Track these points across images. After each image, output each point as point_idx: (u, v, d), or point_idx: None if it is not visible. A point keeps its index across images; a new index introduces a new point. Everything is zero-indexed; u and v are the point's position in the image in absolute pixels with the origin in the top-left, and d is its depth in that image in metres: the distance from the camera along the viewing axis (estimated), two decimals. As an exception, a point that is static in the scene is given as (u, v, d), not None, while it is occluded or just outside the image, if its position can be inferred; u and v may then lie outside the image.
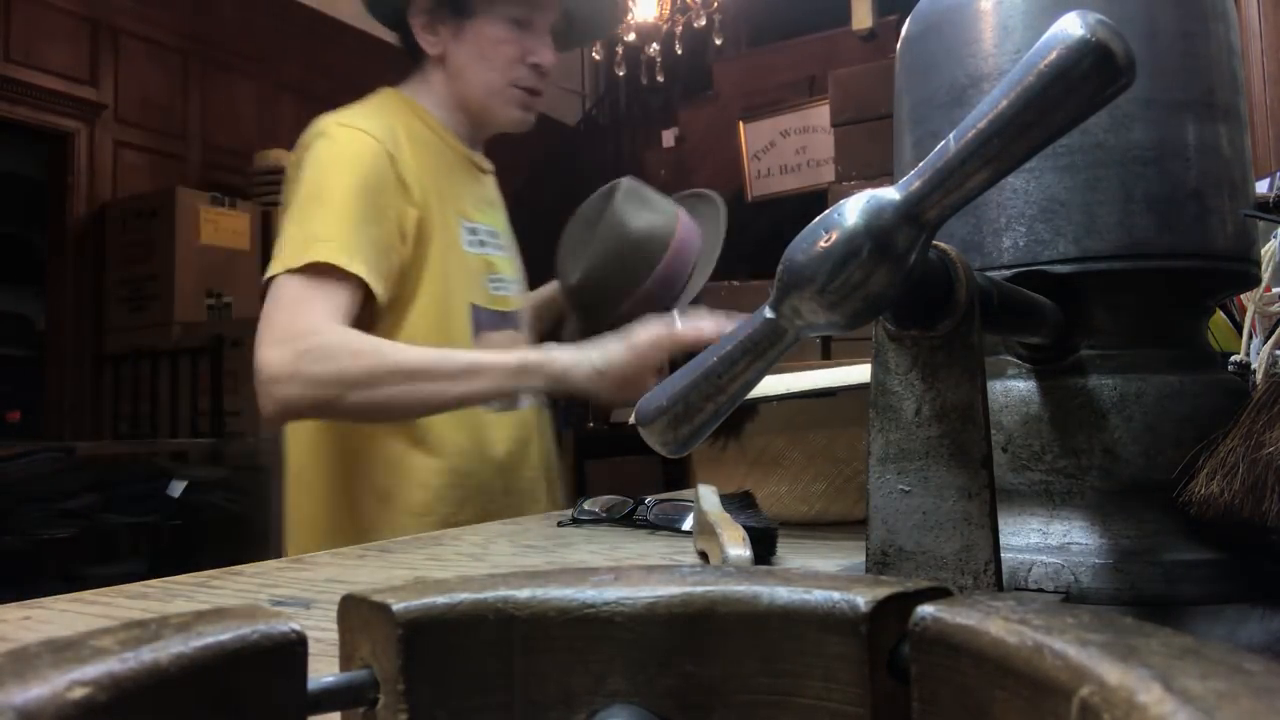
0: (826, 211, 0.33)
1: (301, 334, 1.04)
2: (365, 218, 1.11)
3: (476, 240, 1.28)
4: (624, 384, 1.13)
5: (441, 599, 0.24)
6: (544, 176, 6.81)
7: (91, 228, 4.26)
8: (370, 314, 1.14)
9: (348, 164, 1.13)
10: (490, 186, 1.37)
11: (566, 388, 1.15)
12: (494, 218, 1.35)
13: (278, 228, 1.16)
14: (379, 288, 1.12)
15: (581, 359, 1.14)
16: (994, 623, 0.20)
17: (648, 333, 1.14)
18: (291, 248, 1.08)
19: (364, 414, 1.13)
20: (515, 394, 1.26)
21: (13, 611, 0.54)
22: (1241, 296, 0.71)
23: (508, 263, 1.34)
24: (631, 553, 0.73)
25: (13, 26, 4.05)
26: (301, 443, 1.23)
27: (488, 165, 1.37)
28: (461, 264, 1.24)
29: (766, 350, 0.34)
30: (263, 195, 4.32)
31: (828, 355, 2.65)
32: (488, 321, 1.26)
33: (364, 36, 5.37)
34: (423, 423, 1.19)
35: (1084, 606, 0.36)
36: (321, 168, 1.13)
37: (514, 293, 1.33)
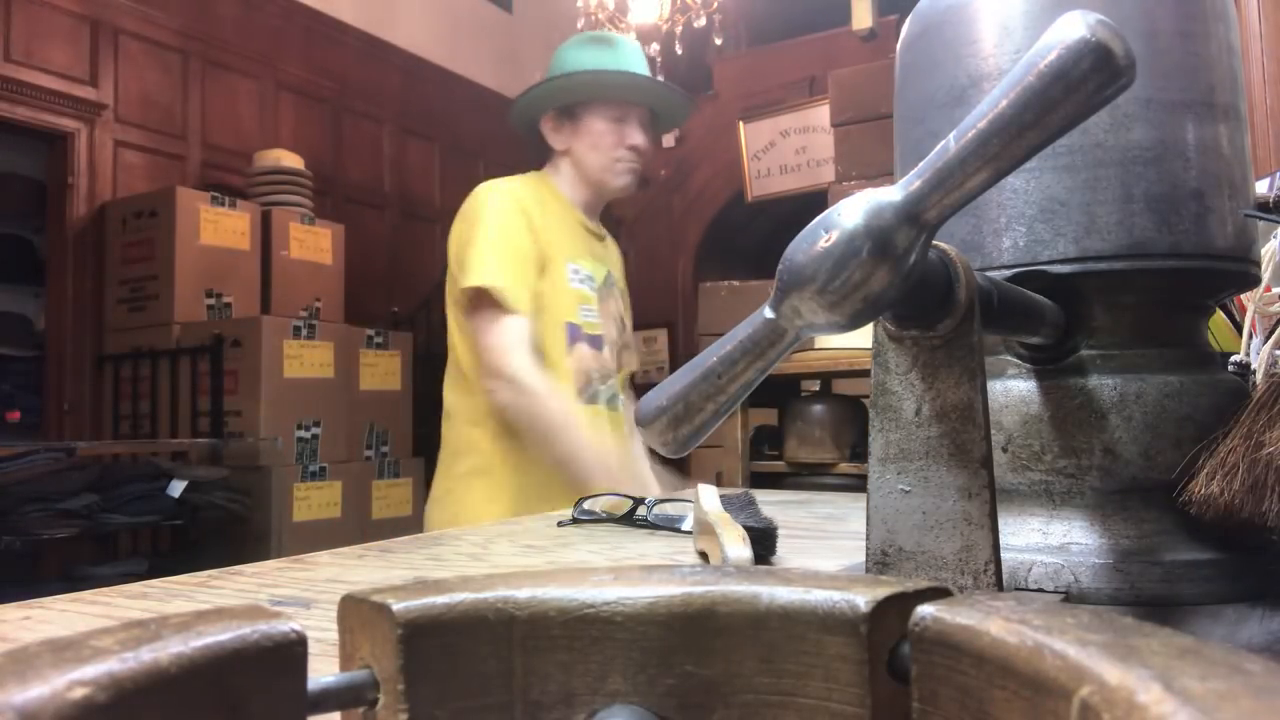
0: (826, 211, 0.33)
1: (519, 378, 1.59)
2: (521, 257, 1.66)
3: (578, 279, 1.76)
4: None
5: (441, 599, 0.24)
6: (544, 176, 6.80)
7: (91, 228, 4.26)
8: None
9: (501, 214, 1.68)
10: (601, 247, 1.86)
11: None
12: (595, 268, 1.82)
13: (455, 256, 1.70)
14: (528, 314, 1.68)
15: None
16: (994, 623, 0.20)
17: None
18: (483, 277, 1.61)
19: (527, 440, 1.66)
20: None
21: (13, 611, 0.54)
22: (1241, 296, 0.71)
23: (595, 299, 1.81)
24: (631, 553, 0.73)
25: (13, 26, 4.04)
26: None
27: (602, 231, 1.89)
28: (565, 292, 1.72)
29: (766, 350, 0.34)
30: (263, 195, 4.32)
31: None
32: (576, 335, 1.73)
33: (365, 36, 5.38)
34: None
35: (1084, 606, 0.36)
36: (488, 215, 1.66)
37: (598, 321, 1.80)
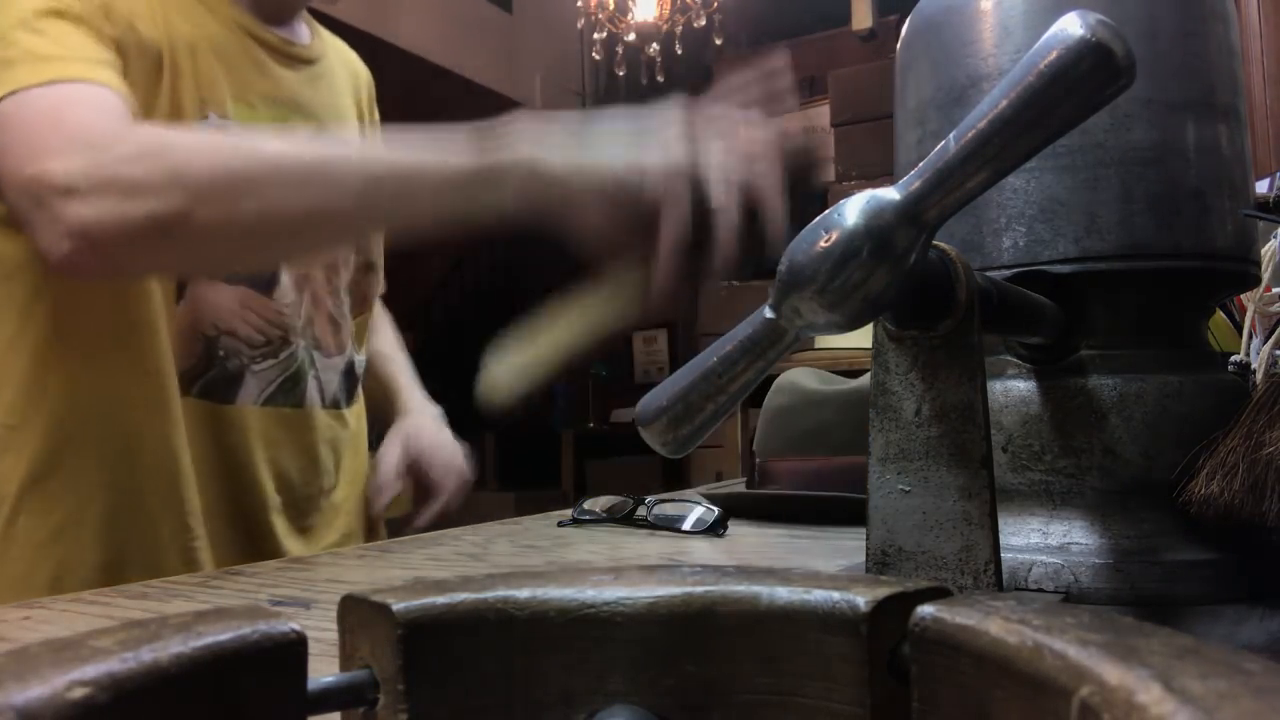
0: (826, 211, 0.33)
1: (106, 137, 0.71)
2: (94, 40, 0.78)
3: None
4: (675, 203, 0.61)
5: (441, 599, 0.24)
6: (544, 176, 6.80)
7: (91, 228, 4.26)
8: None
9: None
10: (300, 77, 0.95)
11: (558, 209, 0.65)
12: (280, 122, 0.92)
13: None
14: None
15: (597, 155, 0.65)
16: (994, 623, 0.20)
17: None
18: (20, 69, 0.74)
19: (219, 246, 0.72)
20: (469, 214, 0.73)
21: (13, 611, 0.54)
22: (1241, 296, 0.71)
23: None
24: (631, 553, 0.73)
25: (13, 26, 4.04)
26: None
27: (311, 50, 0.97)
28: None
29: (766, 350, 0.34)
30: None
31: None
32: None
33: (364, 36, 5.38)
34: None
35: (1084, 606, 0.36)
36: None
37: None
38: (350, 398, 1.01)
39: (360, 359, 1.02)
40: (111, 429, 0.83)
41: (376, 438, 1.11)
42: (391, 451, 1.09)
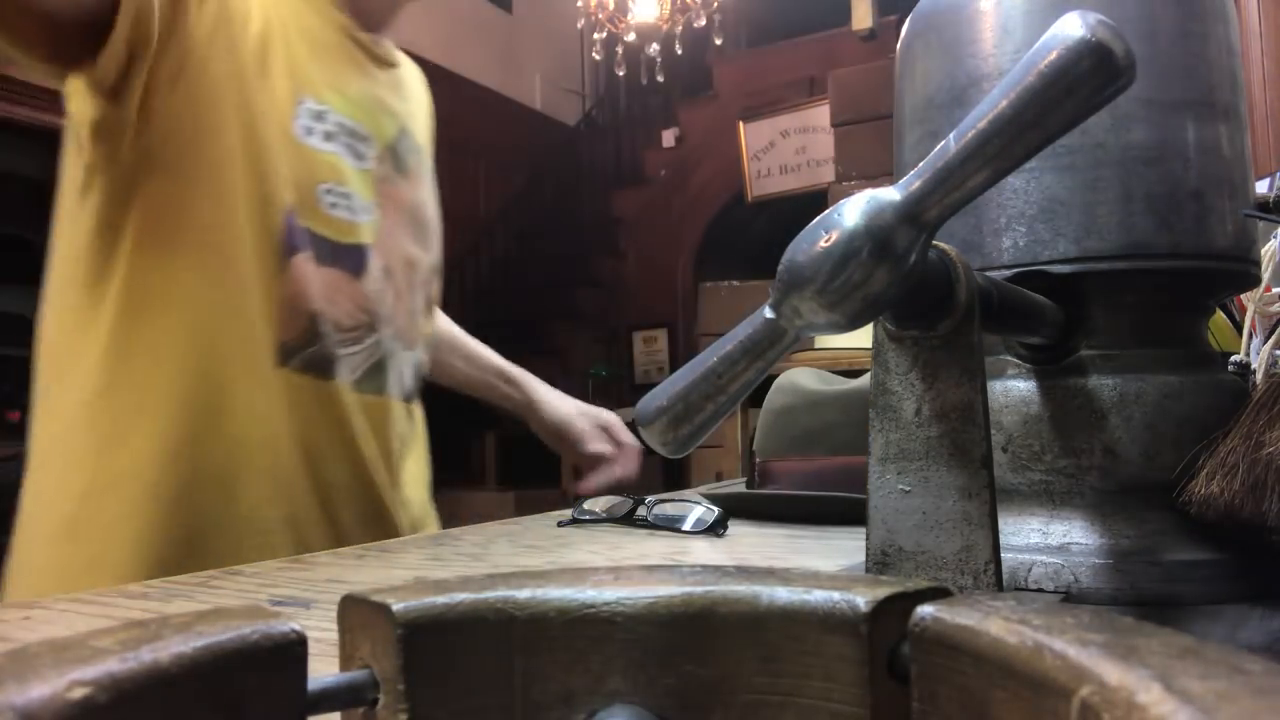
0: (826, 211, 0.33)
1: None
2: None
3: (320, 131, 0.88)
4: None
5: (441, 599, 0.24)
6: (544, 176, 6.82)
7: (91, 228, 4.25)
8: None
9: None
10: (383, 83, 0.99)
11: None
12: (366, 115, 0.94)
13: None
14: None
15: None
16: (994, 623, 0.20)
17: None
18: None
19: None
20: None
21: (13, 612, 0.54)
22: (1241, 296, 0.71)
23: (365, 182, 0.92)
24: (631, 553, 0.73)
25: (13, 26, 4.04)
26: None
27: (393, 55, 1.01)
28: (284, 155, 0.85)
29: (766, 350, 0.34)
30: (263, 195, 4.32)
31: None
32: (302, 240, 0.86)
33: (364, 36, 5.37)
34: None
35: (1084, 606, 0.36)
36: None
37: (364, 222, 0.92)
38: (416, 393, 1.02)
39: (424, 357, 1.04)
40: (195, 394, 0.82)
41: (493, 420, 1.28)
42: (579, 423, 1.23)
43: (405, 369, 0.98)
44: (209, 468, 0.82)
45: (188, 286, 0.83)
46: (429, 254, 1.03)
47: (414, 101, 1.06)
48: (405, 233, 0.98)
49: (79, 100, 0.82)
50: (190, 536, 0.80)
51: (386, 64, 1.00)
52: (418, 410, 1.03)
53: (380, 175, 0.95)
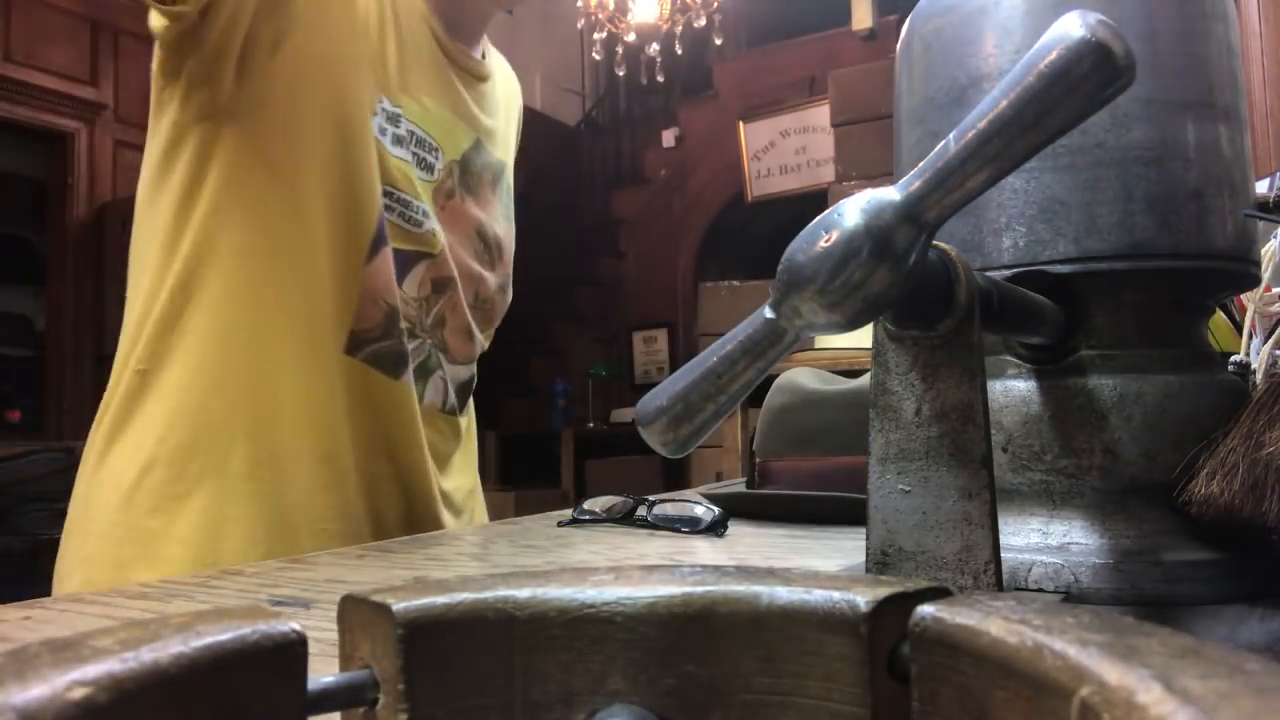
0: (826, 211, 0.33)
1: None
2: None
3: (392, 134, 0.88)
4: None
5: (441, 599, 0.24)
6: (544, 176, 6.82)
7: (91, 228, 4.26)
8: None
9: None
10: (470, 96, 0.98)
11: None
12: (446, 127, 0.94)
13: None
14: None
15: None
16: (994, 623, 0.20)
17: None
18: None
19: None
20: None
21: (13, 611, 0.54)
22: (1241, 296, 0.71)
23: (426, 193, 0.92)
24: (631, 553, 0.73)
25: (13, 26, 4.05)
26: None
27: (483, 69, 1.01)
28: (369, 149, 0.85)
29: (766, 350, 0.34)
30: (263, 195, 4.32)
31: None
32: (385, 240, 0.87)
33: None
34: None
35: (1084, 606, 0.36)
36: None
37: (419, 232, 0.92)
38: (463, 406, 1.02)
39: (470, 374, 1.04)
40: (252, 376, 0.82)
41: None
42: None
43: (453, 384, 0.98)
44: (266, 447, 0.82)
45: (249, 261, 0.82)
46: (493, 273, 1.01)
47: (499, 117, 1.04)
48: (466, 249, 0.97)
49: (178, 48, 0.81)
50: (248, 517, 0.80)
51: (475, 77, 1.00)
52: (464, 422, 1.03)
53: (444, 189, 0.94)
